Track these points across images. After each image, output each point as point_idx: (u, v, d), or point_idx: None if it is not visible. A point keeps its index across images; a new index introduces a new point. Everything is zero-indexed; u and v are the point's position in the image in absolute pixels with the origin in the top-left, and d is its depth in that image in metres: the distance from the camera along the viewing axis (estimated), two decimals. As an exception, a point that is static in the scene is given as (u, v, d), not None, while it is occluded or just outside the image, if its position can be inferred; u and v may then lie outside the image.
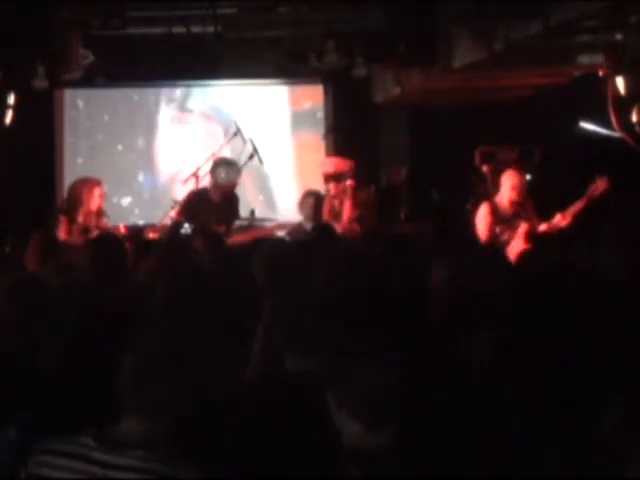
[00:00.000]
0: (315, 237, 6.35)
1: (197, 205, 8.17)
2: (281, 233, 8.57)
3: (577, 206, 7.17)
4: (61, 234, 7.47)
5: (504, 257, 6.03)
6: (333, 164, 8.69)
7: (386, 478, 2.34)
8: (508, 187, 7.29)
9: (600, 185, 7.13)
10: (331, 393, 2.40)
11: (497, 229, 7.23)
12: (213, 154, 8.69)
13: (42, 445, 2.45)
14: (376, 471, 2.31)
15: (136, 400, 2.37)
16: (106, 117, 10.59)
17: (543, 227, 7.19)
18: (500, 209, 7.28)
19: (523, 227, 7.10)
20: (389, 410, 2.34)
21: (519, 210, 7.27)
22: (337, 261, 4.36)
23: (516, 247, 6.82)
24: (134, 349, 2.43)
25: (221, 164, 8.41)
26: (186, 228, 7.97)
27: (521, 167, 8.00)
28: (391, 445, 2.32)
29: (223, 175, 8.27)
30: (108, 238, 5.95)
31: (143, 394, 2.37)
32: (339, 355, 2.49)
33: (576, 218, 7.12)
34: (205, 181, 8.42)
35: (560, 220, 7.16)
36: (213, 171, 8.35)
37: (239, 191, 8.66)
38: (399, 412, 2.35)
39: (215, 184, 8.29)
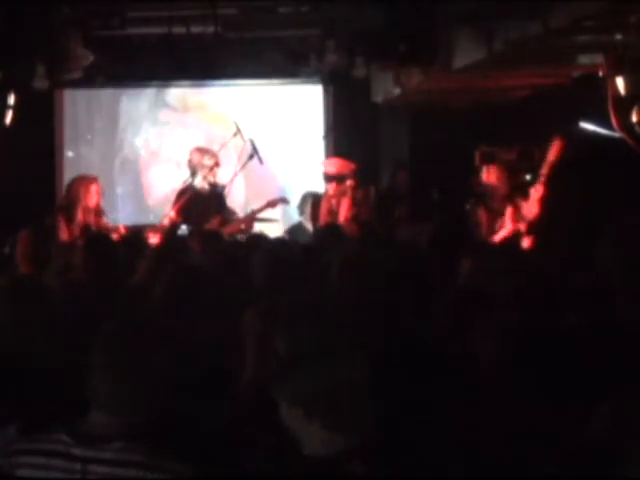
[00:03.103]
0: (323, 237, 6.35)
1: (191, 203, 8.19)
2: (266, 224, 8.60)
3: (543, 174, 7.25)
4: (61, 233, 7.47)
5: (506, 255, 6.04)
6: (335, 165, 8.69)
7: (388, 475, 2.34)
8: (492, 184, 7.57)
9: (556, 147, 7.22)
10: (289, 393, 2.37)
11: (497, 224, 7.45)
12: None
13: (15, 446, 2.44)
14: (378, 468, 2.30)
15: (107, 397, 2.37)
16: (106, 117, 10.60)
17: (524, 209, 7.28)
18: (493, 205, 7.45)
19: (509, 209, 7.31)
20: (351, 411, 2.31)
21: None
22: (349, 262, 4.35)
23: (505, 229, 7.28)
24: (104, 347, 2.43)
25: (195, 152, 8.45)
26: (183, 229, 8.00)
27: (521, 167, 8.05)
28: (354, 447, 2.29)
29: (196, 160, 8.32)
30: (99, 238, 5.96)
31: (114, 391, 2.36)
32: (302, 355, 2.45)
33: (549, 185, 7.19)
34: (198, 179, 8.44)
35: (534, 192, 7.26)
36: (190, 162, 8.39)
37: (239, 190, 8.68)
38: (363, 414, 2.32)
39: (197, 174, 8.32)
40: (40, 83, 8.22)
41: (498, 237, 7.17)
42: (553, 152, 7.20)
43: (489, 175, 7.65)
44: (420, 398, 2.84)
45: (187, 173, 8.62)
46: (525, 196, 7.42)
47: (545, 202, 7.08)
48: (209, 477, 2.39)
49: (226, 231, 7.75)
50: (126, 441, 2.32)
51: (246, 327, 3.52)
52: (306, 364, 2.35)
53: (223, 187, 8.44)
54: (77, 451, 2.33)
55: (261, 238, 6.34)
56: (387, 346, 3.22)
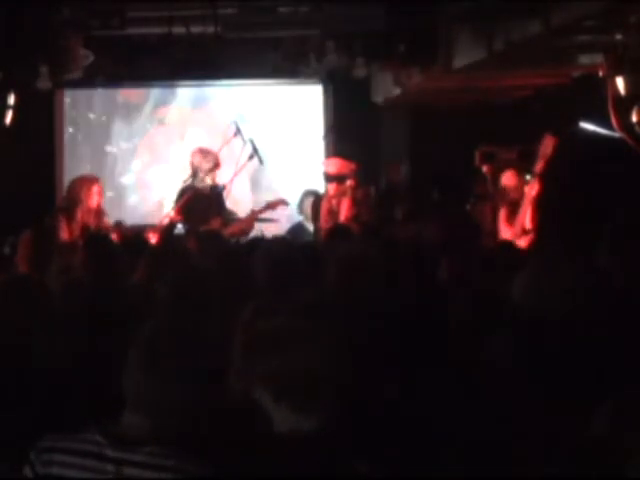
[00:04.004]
0: (331, 238, 6.34)
1: (192, 203, 8.19)
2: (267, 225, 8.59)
3: (537, 169, 7.19)
4: (61, 234, 7.47)
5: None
6: (335, 165, 8.69)
7: (392, 475, 2.33)
8: (509, 188, 7.49)
9: (548, 142, 7.18)
10: (258, 378, 2.37)
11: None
12: (213, 155, 8.70)
13: (47, 443, 2.43)
14: (382, 468, 2.30)
15: (141, 398, 2.37)
16: (106, 117, 10.61)
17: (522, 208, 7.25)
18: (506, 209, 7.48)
19: (503, 211, 7.29)
20: (318, 393, 2.32)
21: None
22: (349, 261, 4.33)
23: (502, 232, 7.25)
24: (136, 347, 2.43)
25: (196, 154, 8.46)
26: (179, 229, 8.00)
27: (521, 167, 8.04)
28: (321, 429, 2.29)
29: (197, 161, 8.33)
30: (98, 239, 5.96)
31: (147, 392, 2.37)
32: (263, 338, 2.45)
33: (543, 181, 7.15)
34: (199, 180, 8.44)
35: (529, 190, 7.23)
36: (192, 163, 8.40)
37: (239, 190, 8.69)
38: (329, 396, 2.32)
39: (197, 175, 8.32)
40: (43, 83, 8.23)
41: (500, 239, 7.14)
42: (546, 148, 7.15)
43: (506, 180, 7.62)
44: (418, 396, 2.84)
45: (186, 173, 8.64)
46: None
47: (541, 200, 7.05)
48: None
49: (226, 232, 7.75)
50: (159, 444, 2.32)
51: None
52: (275, 346, 2.36)
53: (223, 188, 8.44)
54: (110, 452, 2.34)
55: (261, 239, 6.33)
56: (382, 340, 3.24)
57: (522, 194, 7.37)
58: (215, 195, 8.35)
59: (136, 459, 2.32)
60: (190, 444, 2.34)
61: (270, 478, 2.29)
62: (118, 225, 8.02)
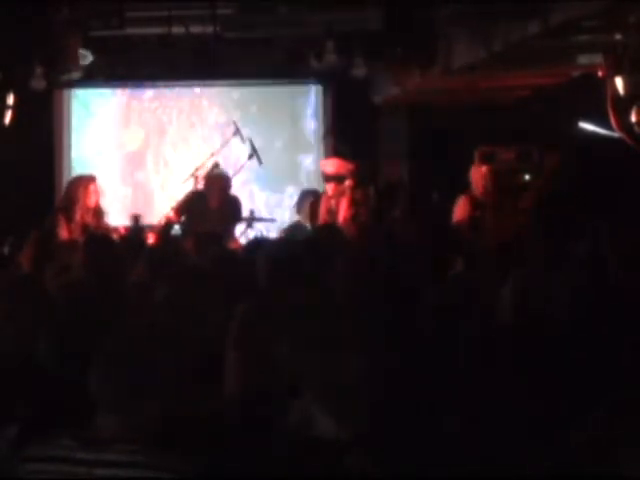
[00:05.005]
0: (321, 238, 6.33)
1: (195, 207, 8.17)
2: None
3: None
4: (61, 233, 7.47)
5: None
6: (334, 165, 8.69)
7: (401, 474, 2.33)
8: (473, 182, 7.83)
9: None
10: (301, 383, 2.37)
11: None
12: (212, 154, 8.71)
13: (25, 454, 2.43)
14: (391, 467, 2.30)
15: (112, 399, 2.37)
16: (106, 117, 10.61)
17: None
18: (476, 199, 7.74)
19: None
20: (359, 400, 2.31)
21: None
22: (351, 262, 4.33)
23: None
24: (117, 347, 2.43)
25: (217, 167, 8.46)
26: (176, 229, 7.99)
27: (520, 167, 8.09)
28: (362, 436, 2.29)
29: (212, 181, 8.32)
30: (98, 239, 5.96)
31: (118, 394, 2.37)
32: (307, 343, 2.44)
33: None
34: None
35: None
36: (209, 176, 8.38)
37: (237, 191, 8.69)
38: (370, 403, 2.32)
39: (211, 189, 8.29)
40: (37, 83, 8.23)
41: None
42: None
43: (472, 173, 7.82)
44: (422, 396, 2.84)
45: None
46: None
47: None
48: (214, 476, 2.37)
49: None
50: (130, 442, 2.31)
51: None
52: (312, 350, 2.36)
53: (236, 201, 8.41)
54: (81, 455, 2.33)
55: (262, 240, 6.33)
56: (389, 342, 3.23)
57: (488, 186, 7.58)
58: (232, 204, 8.31)
59: (107, 458, 2.31)
60: (162, 440, 2.33)
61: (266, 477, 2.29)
62: (135, 218, 8.03)
